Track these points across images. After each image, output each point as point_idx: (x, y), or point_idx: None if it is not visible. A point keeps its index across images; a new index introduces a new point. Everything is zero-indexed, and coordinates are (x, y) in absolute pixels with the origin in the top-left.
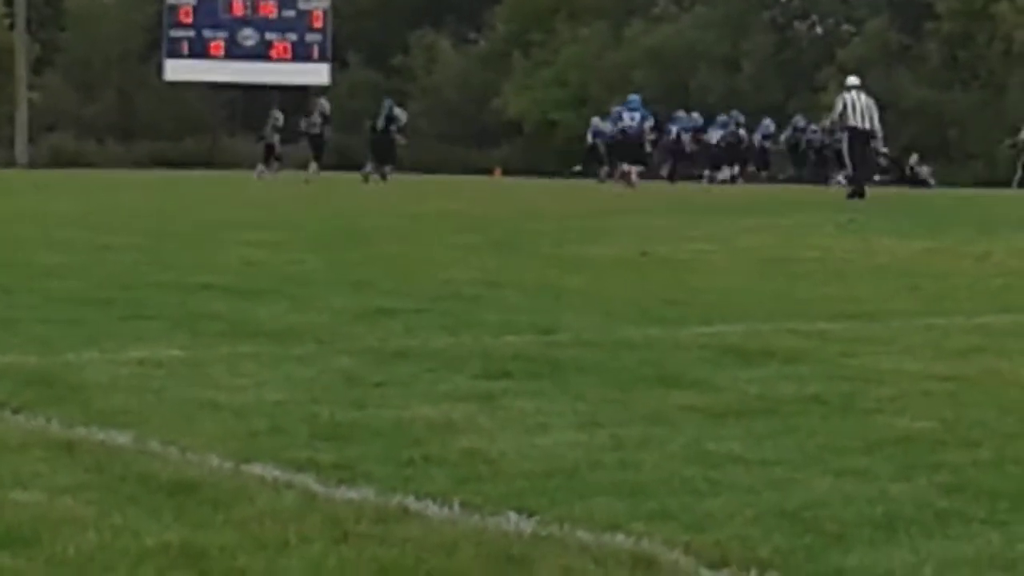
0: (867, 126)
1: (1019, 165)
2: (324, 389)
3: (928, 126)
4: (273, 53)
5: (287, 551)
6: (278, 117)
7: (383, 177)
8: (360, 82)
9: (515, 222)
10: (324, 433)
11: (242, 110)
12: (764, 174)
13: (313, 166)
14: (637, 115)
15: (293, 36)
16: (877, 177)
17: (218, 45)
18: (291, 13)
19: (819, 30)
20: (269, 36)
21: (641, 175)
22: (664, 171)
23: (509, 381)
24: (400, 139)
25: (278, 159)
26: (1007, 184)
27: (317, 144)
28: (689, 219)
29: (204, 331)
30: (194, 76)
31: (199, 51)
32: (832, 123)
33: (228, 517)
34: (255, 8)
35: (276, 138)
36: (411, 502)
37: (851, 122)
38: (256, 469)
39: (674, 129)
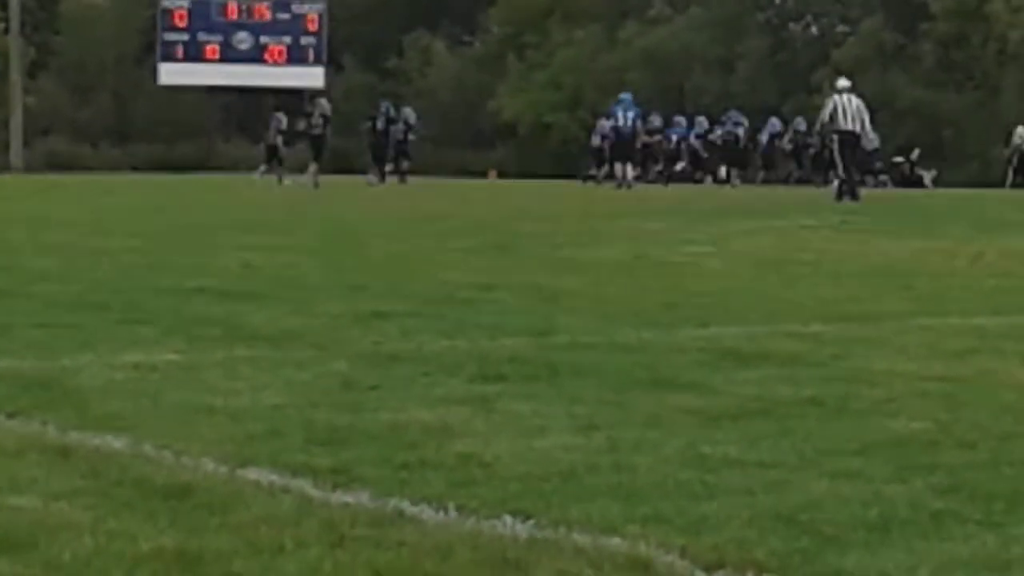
0: (857, 129)
1: (1010, 168)
2: (320, 393)
3: (923, 127)
4: (268, 56)
5: (283, 556)
6: (281, 120)
7: (382, 178)
8: (355, 85)
9: (510, 224)
10: (320, 437)
11: (237, 114)
12: (763, 175)
13: (313, 167)
14: (630, 113)
15: (288, 39)
16: (879, 179)
17: (213, 48)
18: (286, 16)
19: (814, 31)
20: (264, 39)
21: (639, 178)
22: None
23: (504, 384)
24: (412, 137)
25: (280, 162)
26: (1002, 185)
27: (318, 146)
28: (684, 222)
29: (200, 335)
30: (189, 80)
31: (194, 55)
32: (822, 125)
33: (224, 522)
34: (250, 11)
35: (279, 140)
36: (407, 506)
37: (841, 125)
38: (252, 473)
39: (674, 136)
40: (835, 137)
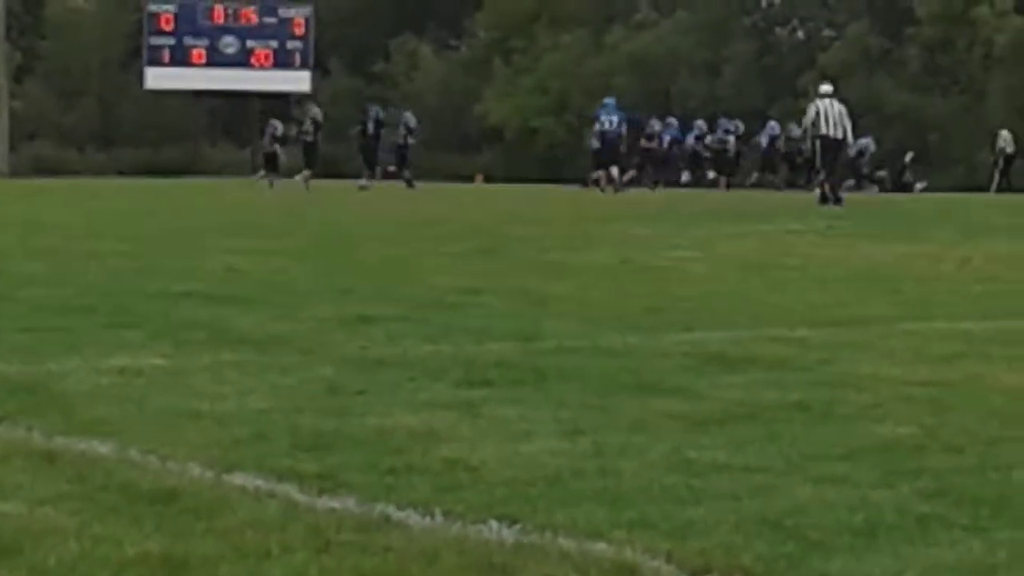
0: (839, 135)
1: (996, 172)
2: (306, 398)
3: (909, 131)
4: (254, 61)
5: (269, 561)
6: (276, 126)
7: (366, 184)
8: (342, 89)
9: (497, 229)
10: (306, 442)
11: (223, 118)
12: (757, 176)
13: (306, 172)
14: (615, 118)
15: (274, 43)
16: (868, 183)
17: (199, 53)
18: (272, 20)
19: (800, 35)
20: (250, 43)
21: (632, 181)
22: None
23: (490, 389)
24: (412, 141)
25: (276, 169)
26: (988, 189)
27: (310, 152)
28: (670, 226)
29: (187, 339)
30: (175, 84)
31: (180, 59)
32: (804, 130)
33: (210, 526)
34: (236, 16)
35: (276, 147)
36: (393, 511)
37: (823, 131)
38: (238, 478)
39: (667, 137)
40: (817, 142)
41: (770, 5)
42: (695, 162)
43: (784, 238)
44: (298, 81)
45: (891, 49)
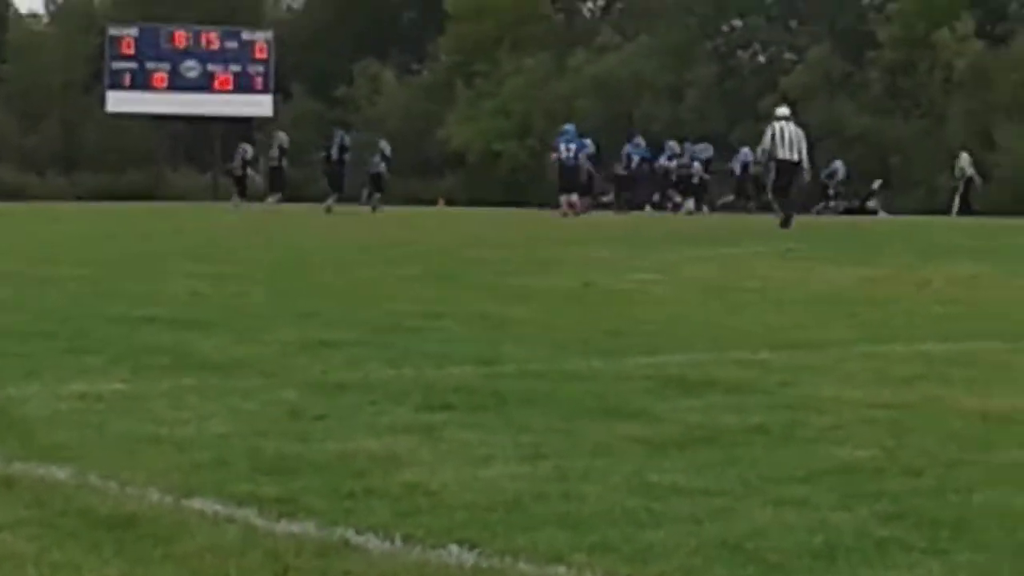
0: (795, 157)
1: (957, 196)
2: (267, 422)
3: (870, 154)
4: (216, 84)
5: None
6: (247, 150)
7: (329, 209)
8: (304, 113)
9: (458, 252)
10: (266, 466)
11: (185, 142)
12: (732, 199)
13: (273, 197)
14: (573, 145)
15: (236, 67)
16: (830, 205)
17: (161, 77)
18: (234, 44)
19: (761, 59)
20: (212, 67)
21: (605, 205)
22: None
23: (451, 413)
24: (383, 169)
25: (242, 194)
26: (948, 212)
27: (276, 177)
28: (633, 250)
29: (147, 364)
30: (137, 108)
31: (142, 83)
32: (763, 152)
33: (168, 552)
34: (198, 40)
35: (248, 171)
36: (352, 535)
37: (779, 154)
38: (197, 503)
39: (635, 157)
40: (772, 165)
41: (732, 29)
42: (666, 183)
43: (744, 261)
44: (260, 105)
45: (852, 72)
